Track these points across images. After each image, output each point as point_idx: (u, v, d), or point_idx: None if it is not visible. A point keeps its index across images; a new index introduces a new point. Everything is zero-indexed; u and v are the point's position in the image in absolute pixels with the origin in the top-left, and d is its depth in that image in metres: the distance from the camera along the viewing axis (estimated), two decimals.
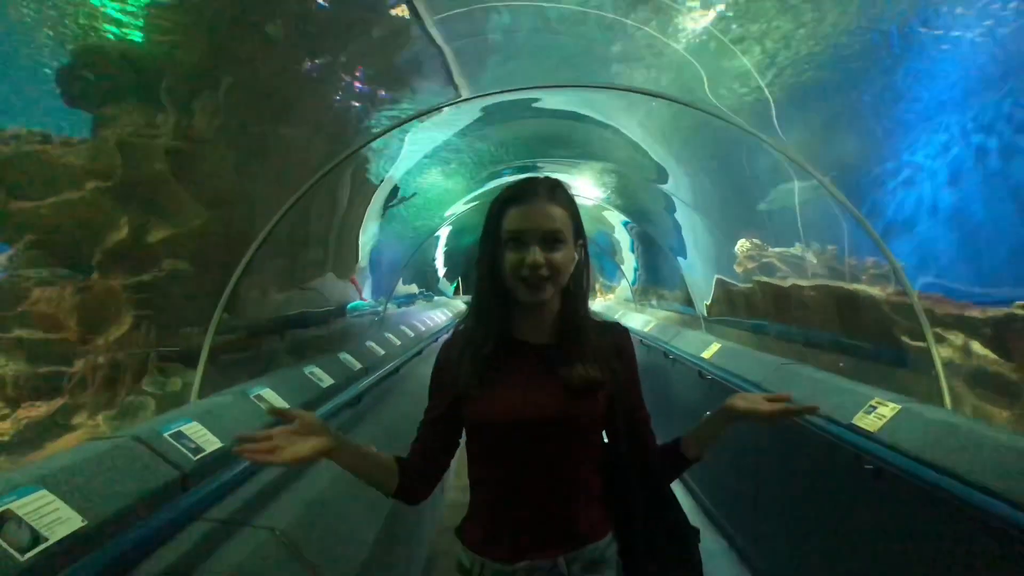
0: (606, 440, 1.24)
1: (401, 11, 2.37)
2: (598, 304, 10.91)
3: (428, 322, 7.21)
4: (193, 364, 2.27)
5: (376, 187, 4.26)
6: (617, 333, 1.26)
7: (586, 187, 6.63)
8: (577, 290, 1.19)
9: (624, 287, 9.43)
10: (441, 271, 10.64)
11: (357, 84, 2.73)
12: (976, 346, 2.54)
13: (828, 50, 2.50)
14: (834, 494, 2.50)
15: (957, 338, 2.60)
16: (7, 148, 1.74)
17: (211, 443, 1.86)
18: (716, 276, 4.87)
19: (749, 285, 4.22)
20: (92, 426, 1.92)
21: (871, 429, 2.32)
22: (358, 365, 3.78)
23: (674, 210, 5.29)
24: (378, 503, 2.20)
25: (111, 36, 1.72)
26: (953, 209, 2.56)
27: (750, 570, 3.24)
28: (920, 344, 2.61)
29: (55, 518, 1.25)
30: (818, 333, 3.51)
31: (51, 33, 1.71)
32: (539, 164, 6.09)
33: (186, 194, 2.06)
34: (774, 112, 2.90)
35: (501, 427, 1.13)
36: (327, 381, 3.11)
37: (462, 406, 1.16)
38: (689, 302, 5.70)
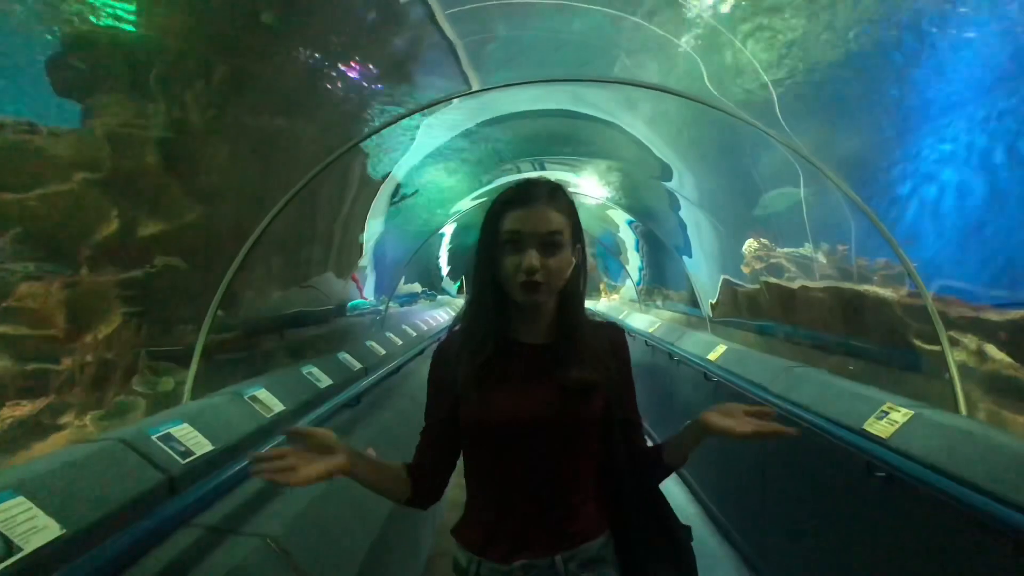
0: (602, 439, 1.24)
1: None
2: (603, 304, 10.84)
3: (431, 321, 7.17)
4: (186, 363, 2.21)
5: (379, 183, 4.20)
6: (613, 332, 1.28)
7: (590, 185, 6.58)
8: (574, 291, 1.20)
9: (629, 287, 9.35)
10: (445, 269, 10.55)
11: (358, 75, 2.67)
12: (991, 349, 2.47)
13: (842, 45, 2.43)
14: (844, 502, 2.44)
15: (972, 341, 2.52)
16: None
17: (202, 446, 1.80)
18: (722, 276, 4.80)
19: (756, 286, 4.15)
20: (79, 426, 1.87)
21: (883, 435, 2.26)
22: (358, 365, 3.72)
23: (679, 208, 5.23)
24: (374, 507, 2.15)
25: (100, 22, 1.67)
26: (969, 208, 2.49)
27: None
28: (933, 347, 2.54)
29: (31, 527, 1.19)
30: (826, 335, 3.44)
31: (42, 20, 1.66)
32: (545, 161, 6.06)
33: (179, 188, 2.01)
34: (779, 108, 2.84)
35: (498, 428, 1.13)
36: (325, 381, 3.05)
37: (459, 407, 1.16)
38: (694, 303, 5.64)
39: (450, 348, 1.22)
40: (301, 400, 2.65)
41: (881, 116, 2.71)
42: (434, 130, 4.09)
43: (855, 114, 2.79)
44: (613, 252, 9.34)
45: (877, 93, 2.59)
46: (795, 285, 3.65)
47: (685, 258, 5.72)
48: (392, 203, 4.83)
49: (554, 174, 6.55)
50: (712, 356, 4.27)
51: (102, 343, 1.94)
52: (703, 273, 5.36)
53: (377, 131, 3.12)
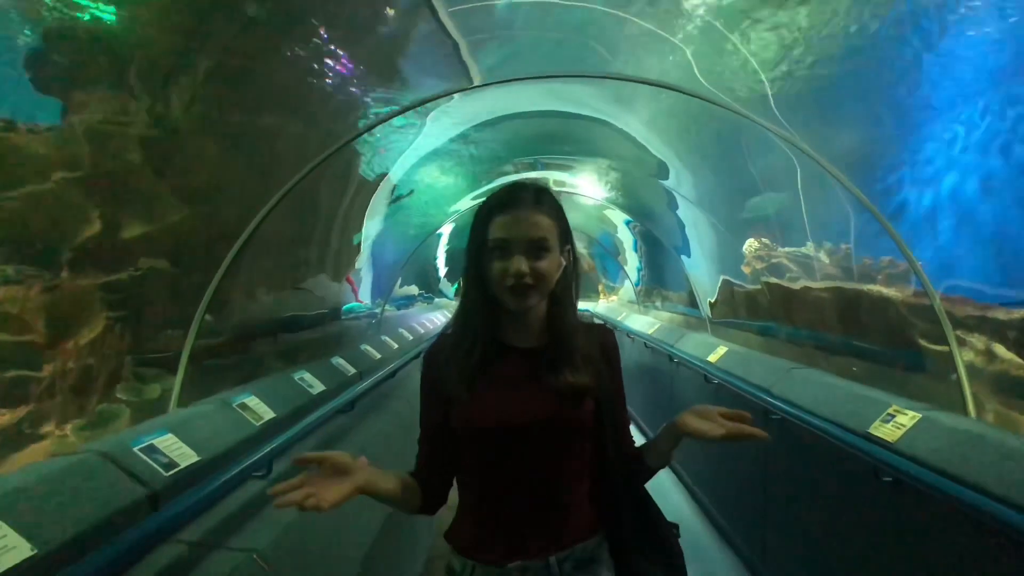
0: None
1: None
2: (602, 306, 10.77)
3: (428, 324, 7.10)
4: (173, 370, 2.14)
5: (374, 183, 4.12)
6: (603, 333, 1.29)
7: (588, 185, 6.52)
8: (564, 294, 1.21)
9: (627, 288, 9.28)
10: (442, 271, 10.45)
11: (350, 71, 2.60)
12: (1000, 349, 2.41)
13: (843, 40, 2.38)
14: (849, 507, 2.39)
15: (979, 341, 2.47)
16: None
17: (187, 457, 1.73)
18: (722, 276, 4.74)
19: (757, 286, 4.09)
20: (60, 436, 1.79)
21: (889, 439, 2.21)
22: (352, 370, 3.66)
23: (676, 207, 5.18)
24: (368, 517, 2.08)
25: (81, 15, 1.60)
26: (976, 204, 2.43)
27: None
28: (939, 347, 2.48)
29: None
30: (829, 336, 3.39)
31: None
32: (542, 161, 6.01)
33: (163, 187, 1.94)
34: (777, 103, 2.79)
35: (490, 432, 1.13)
36: (318, 387, 2.99)
37: (451, 411, 1.17)
38: (694, 303, 5.58)
39: (440, 353, 1.21)
40: (292, 407, 2.58)
41: (884, 111, 2.66)
42: (432, 131, 4.03)
43: (858, 109, 2.73)
44: (611, 253, 9.27)
45: (880, 87, 2.53)
46: (797, 285, 3.59)
47: (684, 258, 5.66)
48: (388, 203, 4.76)
49: (552, 174, 6.49)
50: (712, 358, 4.22)
51: (84, 349, 1.87)
52: (702, 273, 5.31)
53: (371, 127, 3.06)
